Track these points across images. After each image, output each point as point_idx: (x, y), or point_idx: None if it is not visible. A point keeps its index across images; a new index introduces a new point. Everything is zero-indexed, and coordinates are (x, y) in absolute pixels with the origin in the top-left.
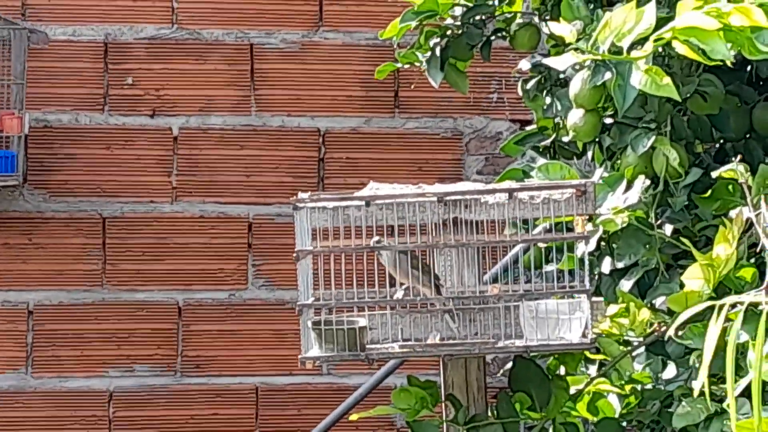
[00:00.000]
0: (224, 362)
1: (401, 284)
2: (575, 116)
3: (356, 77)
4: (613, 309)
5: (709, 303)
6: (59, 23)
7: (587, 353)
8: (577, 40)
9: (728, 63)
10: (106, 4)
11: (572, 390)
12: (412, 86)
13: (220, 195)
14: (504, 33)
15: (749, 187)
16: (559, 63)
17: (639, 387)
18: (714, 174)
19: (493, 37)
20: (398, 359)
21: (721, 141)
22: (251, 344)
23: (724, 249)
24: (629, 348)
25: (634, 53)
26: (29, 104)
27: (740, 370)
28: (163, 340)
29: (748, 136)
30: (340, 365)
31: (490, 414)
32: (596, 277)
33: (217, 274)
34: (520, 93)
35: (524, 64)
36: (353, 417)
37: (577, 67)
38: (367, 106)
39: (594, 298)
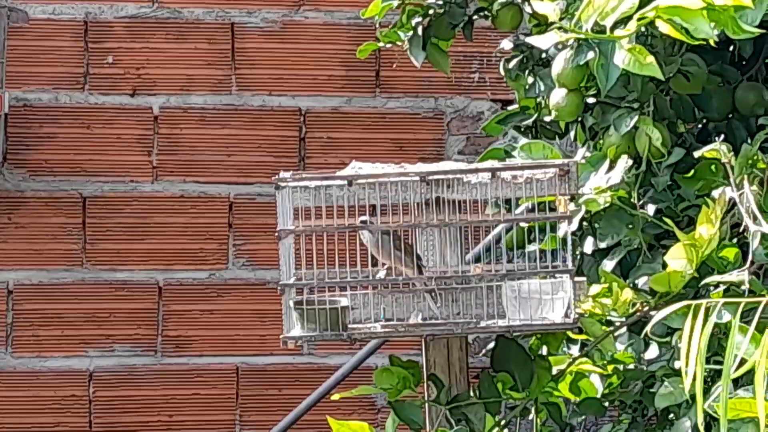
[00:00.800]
0: (205, 342)
1: (383, 264)
2: (558, 96)
3: (337, 56)
4: (595, 289)
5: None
6: (39, 1)
7: (569, 333)
8: (560, 19)
9: (711, 42)
10: None
11: (554, 370)
12: (394, 65)
13: (200, 174)
14: (486, 12)
15: (732, 167)
16: (542, 42)
17: (621, 367)
18: (697, 154)
19: (475, 17)
20: (380, 339)
21: (704, 121)
22: (232, 324)
23: (707, 229)
24: (611, 328)
25: (618, 32)
26: (9, 83)
27: (722, 351)
28: (144, 319)
29: (730, 116)
30: (321, 345)
31: (472, 394)
32: (579, 257)
33: (197, 253)
34: (502, 72)
35: (506, 44)
36: (335, 397)
37: (560, 46)
38: (349, 86)
39: (576, 278)
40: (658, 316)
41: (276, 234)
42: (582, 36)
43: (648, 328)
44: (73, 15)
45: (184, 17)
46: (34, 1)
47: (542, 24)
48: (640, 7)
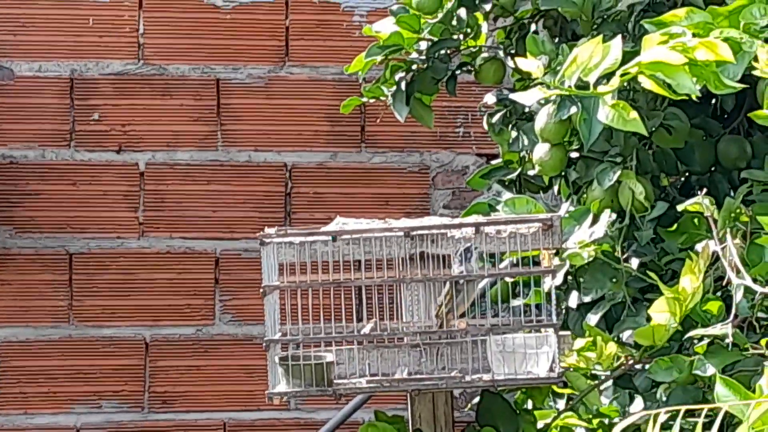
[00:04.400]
0: (192, 398)
1: (369, 318)
2: (541, 150)
3: (322, 112)
4: (580, 343)
5: None
6: (25, 59)
7: (555, 387)
8: (544, 74)
9: (694, 97)
10: (72, 40)
11: (540, 424)
12: (378, 120)
13: (186, 230)
14: (469, 67)
15: (715, 221)
16: (525, 98)
17: (606, 421)
18: (680, 207)
19: (458, 72)
20: (366, 394)
21: (687, 174)
22: (219, 380)
23: (691, 282)
24: (596, 382)
25: (601, 88)
26: None
27: (707, 404)
28: (131, 376)
29: (713, 169)
30: (308, 400)
31: None
32: (563, 311)
33: (184, 309)
34: (486, 127)
35: (490, 98)
36: None
37: (543, 101)
38: (334, 141)
39: (561, 332)
40: None
41: (261, 290)
42: (566, 92)
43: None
44: (59, 72)
45: (170, 74)
46: (20, 59)
47: (525, 78)
48: (623, 63)
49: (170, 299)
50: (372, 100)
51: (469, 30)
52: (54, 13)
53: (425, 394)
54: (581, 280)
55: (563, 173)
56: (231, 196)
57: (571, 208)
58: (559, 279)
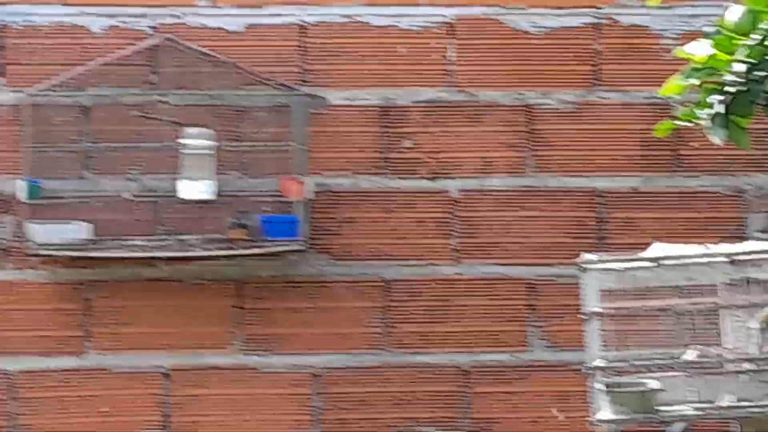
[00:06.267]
0: (508, 424)
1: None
2: None
3: (634, 136)
4: None
5: None
6: (337, 88)
7: None
8: None
9: None
10: (383, 68)
11: None
12: (696, 145)
13: (499, 256)
14: None
15: None
16: None
17: None
18: None
19: None
20: (688, 422)
21: None
22: (533, 406)
23: None
24: None
25: None
26: (309, 168)
27: None
28: (447, 402)
29: None
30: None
31: None
32: None
33: (497, 335)
34: None
35: None
36: None
37: None
38: (645, 165)
39: None
40: None
41: (582, 316)
42: None
43: None
44: (370, 100)
45: (481, 100)
46: (333, 88)
47: None
48: None
49: (484, 325)
50: (684, 124)
51: None
52: (365, 42)
53: (754, 421)
54: None
55: None
56: (542, 221)
57: None
58: None
